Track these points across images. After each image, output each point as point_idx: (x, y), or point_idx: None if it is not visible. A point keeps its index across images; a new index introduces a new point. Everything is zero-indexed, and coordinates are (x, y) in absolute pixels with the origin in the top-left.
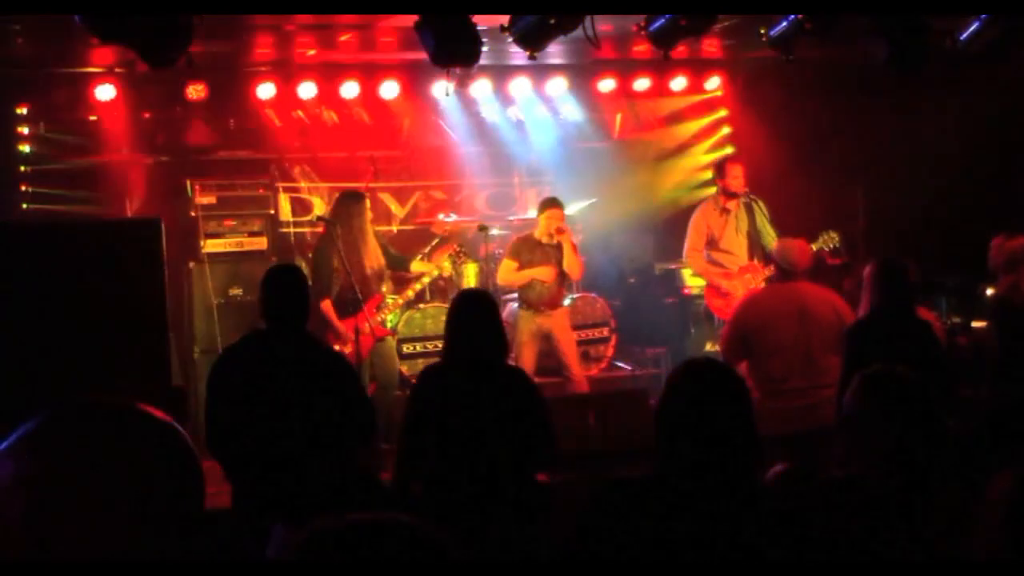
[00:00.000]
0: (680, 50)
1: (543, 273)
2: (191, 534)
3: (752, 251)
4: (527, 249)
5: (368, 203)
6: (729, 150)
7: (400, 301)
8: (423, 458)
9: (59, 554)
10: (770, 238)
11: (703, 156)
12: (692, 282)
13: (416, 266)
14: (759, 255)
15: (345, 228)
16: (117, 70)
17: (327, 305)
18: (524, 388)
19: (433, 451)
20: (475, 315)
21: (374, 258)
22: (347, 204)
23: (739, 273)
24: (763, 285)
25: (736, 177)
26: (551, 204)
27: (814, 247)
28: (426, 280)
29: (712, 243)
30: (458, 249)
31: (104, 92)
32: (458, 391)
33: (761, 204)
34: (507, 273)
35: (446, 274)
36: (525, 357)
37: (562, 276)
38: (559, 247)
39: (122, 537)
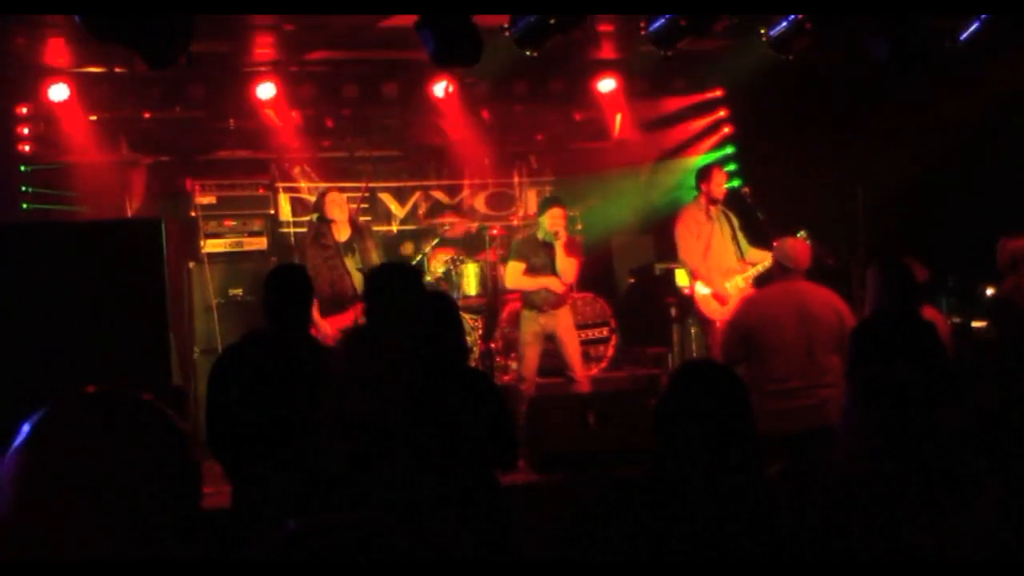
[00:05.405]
0: (680, 50)
1: (554, 284)
2: (188, 529)
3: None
4: (532, 250)
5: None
6: (730, 150)
7: None
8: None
9: (55, 551)
10: (745, 246)
11: (703, 156)
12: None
13: None
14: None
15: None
16: (117, 70)
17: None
18: (484, 390)
19: (394, 452)
20: (432, 317)
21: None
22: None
23: (724, 276)
24: (749, 284)
25: (720, 184)
26: (552, 203)
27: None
28: None
29: (704, 248)
30: (454, 256)
31: (103, 92)
32: (418, 393)
33: (732, 213)
34: (517, 276)
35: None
36: (528, 357)
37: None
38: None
39: (118, 532)
